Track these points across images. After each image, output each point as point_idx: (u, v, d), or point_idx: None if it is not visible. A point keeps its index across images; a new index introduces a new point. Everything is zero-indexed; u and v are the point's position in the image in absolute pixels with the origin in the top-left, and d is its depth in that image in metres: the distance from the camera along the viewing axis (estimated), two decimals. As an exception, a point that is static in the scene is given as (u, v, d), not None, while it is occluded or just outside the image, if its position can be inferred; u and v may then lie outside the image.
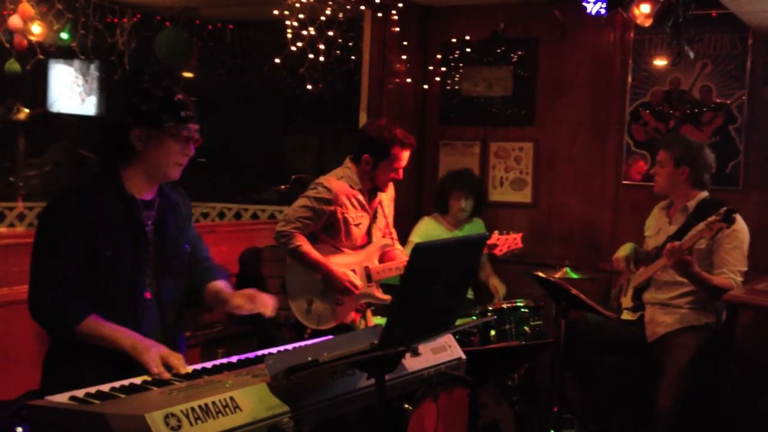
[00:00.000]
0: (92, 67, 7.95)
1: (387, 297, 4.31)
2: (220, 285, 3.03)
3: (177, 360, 2.58)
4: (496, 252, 4.50)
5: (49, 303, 2.67)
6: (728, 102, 5.27)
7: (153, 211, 2.87)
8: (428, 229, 5.43)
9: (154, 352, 2.57)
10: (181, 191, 3.05)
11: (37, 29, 6.01)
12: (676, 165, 4.42)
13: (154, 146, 2.77)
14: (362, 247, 4.32)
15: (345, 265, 4.20)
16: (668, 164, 4.44)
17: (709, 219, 3.99)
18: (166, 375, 2.51)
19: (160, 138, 2.77)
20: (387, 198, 4.45)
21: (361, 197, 4.25)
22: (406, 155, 4.20)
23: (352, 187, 4.21)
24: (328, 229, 4.21)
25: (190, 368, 2.58)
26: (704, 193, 4.43)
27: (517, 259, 5.04)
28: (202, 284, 3.03)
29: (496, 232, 4.55)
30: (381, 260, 4.35)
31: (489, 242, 4.43)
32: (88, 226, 2.70)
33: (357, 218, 4.23)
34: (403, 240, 5.41)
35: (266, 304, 2.90)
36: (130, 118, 2.76)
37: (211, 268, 3.10)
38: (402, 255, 4.39)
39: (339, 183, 4.20)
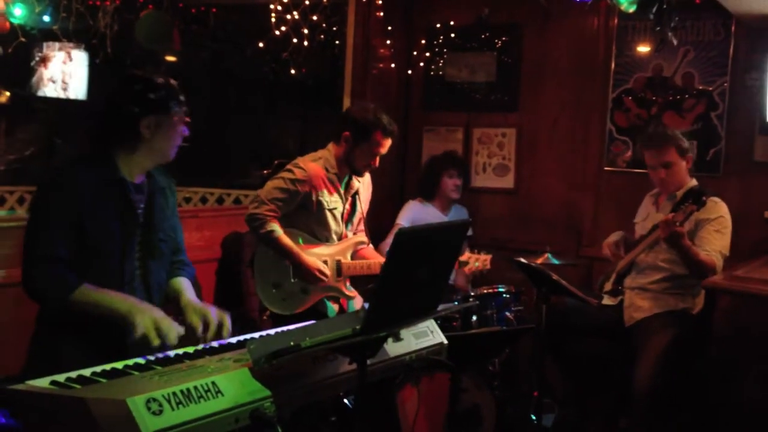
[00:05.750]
0: (74, 50, 7.88)
1: (354, 293, 4.34)
2: (184, 285, 3.06)
3: (168, 326, 2.61)
4: (466, 270, 4.55)
5: (42, 275, 2.71)
6: (710, 89, 5.29)
7: (143, 195, 2.91)
8: (415, 212, 5.45)
9: (148, 318, 2.61)
10: (170, 178, 3.10)
11: (19, 12, 5.96)
12: (683, 155, 4.44)
13: (162, 132, 2.87)
14: (338, 240, 4.33)
15: (317, 256, 4.20)
16: (678, 160, 4.44)
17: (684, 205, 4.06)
18: (156, 341, 2.56)
19: (168, 124, 2.87)
20: (364, 193, 4.45)
21: (336, 182, 4.24)
22: (386, 143, 4.19)
23: (327, 170, 4.21)
24: (302, 213, 4.19)
25: (182, 330, 2.63)
26: (693, 181, 4.46)
27: (499, 245, 5.07)
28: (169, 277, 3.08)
29: (468, 250, 4.59)
30: (354, 257, 4.36)
31: (461, 258, 4.47)
32: (79, 205, 2.74)
33: (331, 202, 4.22)
34: (389, 224, 5.44)
35: (222, 325, 2.81)
36: (138, 107, 2.82)
37: (181, 265, 3.14)
38: (375, 255, 4.42)
39: (314, 165, 4.19)
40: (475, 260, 4.52)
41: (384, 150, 4.21)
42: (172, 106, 2.87)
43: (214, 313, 2.83)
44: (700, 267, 4.19)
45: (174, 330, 2.62)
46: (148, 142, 2.86)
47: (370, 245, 4.50)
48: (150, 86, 2.85)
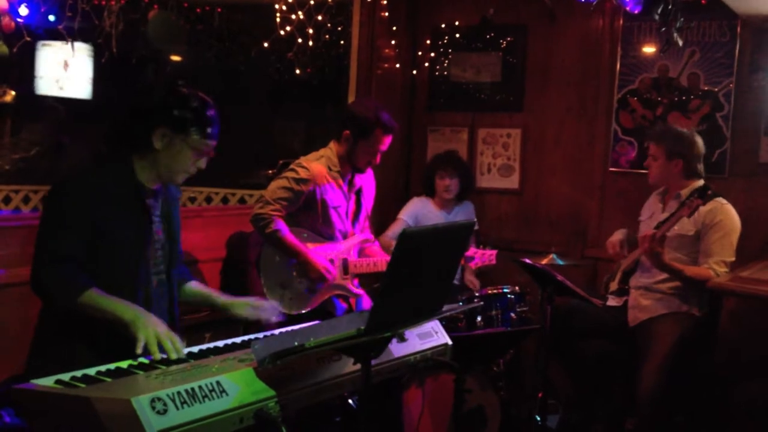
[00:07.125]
0: (79, 49, 7.88)
1: (361, 291, 4.34)
2: (203, 287, 3.20)
3: (171, 344, 2.55)
4: (471, 265, 4.61)
5: (52, 275, 2.68)
6: (716, 90, 5.28)
7: (158, 201, 2.90)
8: (418, 208, 5.45)
9: (151, 331, 2.55)
10: (178, 188, 3.10)
11: (24, 11, 5.96)
12: (669, 158, 4.41)
13: (171, 150, 2.81)
14: (343, 238, 4.33)
15: (323, 254, 4.21)
16: (661, 157, 4.44)
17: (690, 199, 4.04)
18: (157, 356, 2.51)
19: (180, 145, 2.81)
20: (368, 191, 4.45)
21: (339, 180, 4.24)
22: (387, 140, 4.20)
23: (330, 169, 4.22)
24: (307, 212, 4.21)
25: (183, 352, 2.57)
26: (699, 182, 4.43)
27: (504, 246, 5.07)
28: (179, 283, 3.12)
29: (473, 245, 4.61)
30: (360, 254, 4.37)
31: (467, 254, 4.48)
32: (95, 208, 2.72)
33: (335, 200, 4.23)
34: (391, 220, 5.45)
35: (269, 312, 3.10)
36: (158, 115, 2.77)
37: (184, 269, 3.18)
38: (381, 252, 4.42)
39: (317, 164, 4.21)
40: (481, 255, 4.54)
41: (384, 147, 4.21)
42: (192, 132, 2.79)
43: (255, 300, 3.09)
44: (691, 282, 4.19)
45: (176, 347, 2.55)
46: (156, 154, 2.81)
47: (377, 242, 4.51)
48: (178, 102, 2.78)
